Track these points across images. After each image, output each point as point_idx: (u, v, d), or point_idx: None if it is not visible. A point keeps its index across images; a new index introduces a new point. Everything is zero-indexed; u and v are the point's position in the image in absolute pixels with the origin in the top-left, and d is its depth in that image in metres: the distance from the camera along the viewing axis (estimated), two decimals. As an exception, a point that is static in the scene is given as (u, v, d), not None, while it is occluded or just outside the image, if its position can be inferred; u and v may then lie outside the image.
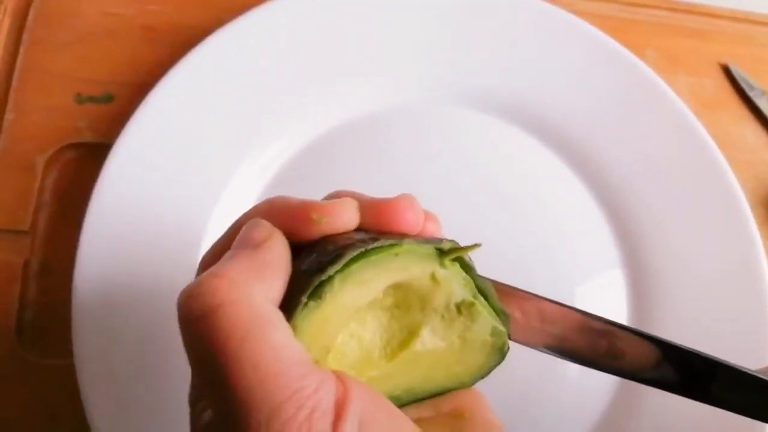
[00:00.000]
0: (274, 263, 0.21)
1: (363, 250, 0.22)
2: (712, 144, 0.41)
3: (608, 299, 0.41)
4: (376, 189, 0.40)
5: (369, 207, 0.23)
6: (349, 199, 0.24)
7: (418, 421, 0.24)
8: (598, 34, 0.43)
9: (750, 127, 0.46)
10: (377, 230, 0.24)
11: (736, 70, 0.46)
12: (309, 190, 0.40)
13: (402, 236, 0.23)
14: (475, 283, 0.25)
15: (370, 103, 0.42)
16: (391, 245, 0.22)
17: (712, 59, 0.47)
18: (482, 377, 0.26)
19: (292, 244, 0.23)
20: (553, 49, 0.43)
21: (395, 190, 0.40)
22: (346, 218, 0.23)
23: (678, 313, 0.39)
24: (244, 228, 0.23)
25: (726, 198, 0.40)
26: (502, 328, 0.25)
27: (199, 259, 0.37)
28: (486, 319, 0.25)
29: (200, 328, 0.19)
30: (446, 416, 0.25)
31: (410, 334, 0.25)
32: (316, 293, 0.21)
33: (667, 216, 0.41)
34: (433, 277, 0.24)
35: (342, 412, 0.19)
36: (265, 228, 0.23)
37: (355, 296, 0.22)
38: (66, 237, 0.38)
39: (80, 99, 0.42)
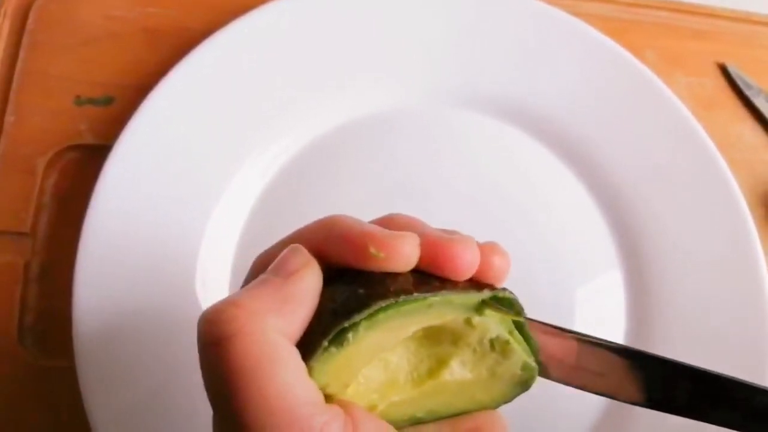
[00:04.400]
0: (299, 297, 0.21)
1: (393, 301, 0.21)
2: (710, 144, 0.41)
3: (608, 300, 0.41)
4: (378, 190, 0.41)
5: (425, 247, 0.22)
6: (410, 234, 0.22)
7: None
8: (597, 35, 0.43)
9: (748, 126, 0.46)
10: (432, 271, 0.23)
11: (733, 69, 0.47)
12: (310, 193, 0.41)
13: (442, 285, 0.22)
14: (514, 320, 0.24)
15: (370, 104, 0.42)
16: (425, 298, 0.21)
17: (710, 59, 0.47)
18: (506, 402, 0.25)
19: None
20: (552, 51, 0.43)
21: (396, 191, 0.40)
22: (404, 255, 0.22)
23: (677, 312, 0.40)
24: (284, 251, 0.23)
25: (724, 197, 0.41)
26: (533, 364, 0.24)
27: (199, 258, 0.38)
28: (519, 355, 0.24)
29: (213, 354, 0.20)
30: None
31: (439, 363, 0.24)
32: (338, 339, 0.21)
33: (666, 216, 0.41)
34: (468, 321, 0.23)
35: None
36: (300, 258, 0.22)
37: (381, 341, 0.22)
38: (66, 238, 0.38)
39: (80, 101, 0.42)
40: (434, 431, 0.24)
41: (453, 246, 0.22)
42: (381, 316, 0.21)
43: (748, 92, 0.46)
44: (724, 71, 0.47)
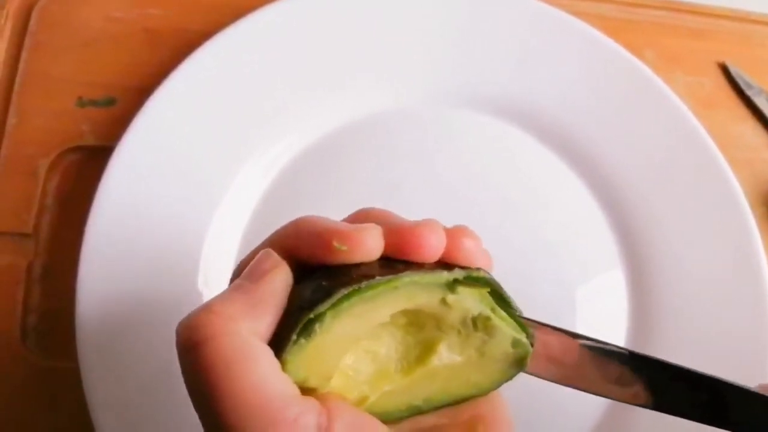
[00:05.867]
0: (266, 299, 0.22)
1: (356, 287, 0.22)
2: (711, 143, 0.41)
3: (609, 299, 0.41)
4: (379, 189, 0.41)
5: (390, 234, 0.23)
6: (371, 225, 0.23)
7: (433, 429, 0.24)
8: (596, 34, 0.43)
9: (749, 126, 0.46)
10: (399, 257, 0.23)
11: (734, 69, 0.47)
12: (312, 193, 0.41)
13: (407, 268, 0.23)
14: (494, 296, 0.24)
15: (370, 105, 0.42)
16: (388, 281, 0.22)
17: (710, 58, 0.47)
18: (507, 381, 0.25)
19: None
20: (552, 50, 0.43)
21: (397, 191, 0.40)
22: (367, 245, 0.23)
23: (678, 312, 0.40)
24: (257, 256, 0.24)
25: (725, 197, 0.41)
26: (524, 340, 0.24)
27: (201, 259, 0.38)
28: (505, 332, 0.24)
29: (190, 358, 0.21)
30: (461, 426, 0.25)
31: (426, 349, 0.24)
32: (306, 331, 0.21)
33: (667, 215, 0.41)
34: (443, 301, 0.23)
35: None
36: (270, 261, 0.23)
37: (353, 328, 0.22)
38: (69, 240, 0.38)
39: (82, 102, 0.42)
40: (434, 421, 0.25)
41: (416, 229, 0.23)
42: (345, 303, 0.21)
43: (748, 92, 0.46)
44: (725, 70, 0.47)
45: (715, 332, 0.39)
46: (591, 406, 0.38)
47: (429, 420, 0.25)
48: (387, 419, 0.24)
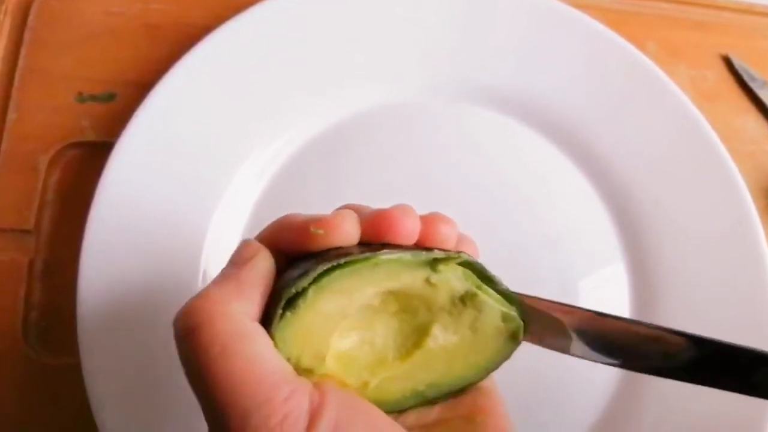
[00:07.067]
0: (253, 281, 0.23)
1: (334, 264, 0.23)
2: (713, 136, 0.41)
3: (611, 292, 0.41)
4: (381, 183, 0.41)
5: (366, 219, 0.24)
6: (346, 210, 0.25)
7: (437, 422, 0.25)
8: (599, 27, 0.43)
9: (751, 118, 0.46)
10: (377, 241, 0.24)
11: (737, 61, 0.46)
12: (312, 188, 0.41)
13: (382, 247, 0.24)
14: (477, 274, 0.25)
15: (371, 100, 0.42)
16: (366, 258, 0.23)
17: (713, 51, 0.47)
18: (505, 360, 0.26)
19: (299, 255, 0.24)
20: (554, 43, 0.43)
21: (398, 186, 0.40)
22: (343, 230, 0.24)
23: (681, 303, 0.40)
24: (237, 247, 0.25)
25: (728, 189, 0.41)
26: (513, 313, 0.25)
27: (202, 254, 0.38)
28: (493, 307, 0.25)
29: (186, 344, 0.22)
30: (460, 418, 0.25)
31: (421, 334, 0.25)
32: (290, 306, 0.22)
33: (669, 208, 0.41)
34: (428, 281, 0.24)
35: (315, 419, 0.21)
36: (251, 248, 0.25)
37: (337, 304, 0.23)
38: (70, 235, 0.38)
39: (82, 98, 0.42)
40: (437, 415, 0.26)
41: (390, 212, 0.24)
42: (325, 279, 0.23)
43: (752, 84, 0.46)
44: (728, 63, 0.47)
45: (717, 328, 0.39)
46: (597, 397, 0.38)
47: (432, 414, 0.26)
48: (395, 408, 0.25)
